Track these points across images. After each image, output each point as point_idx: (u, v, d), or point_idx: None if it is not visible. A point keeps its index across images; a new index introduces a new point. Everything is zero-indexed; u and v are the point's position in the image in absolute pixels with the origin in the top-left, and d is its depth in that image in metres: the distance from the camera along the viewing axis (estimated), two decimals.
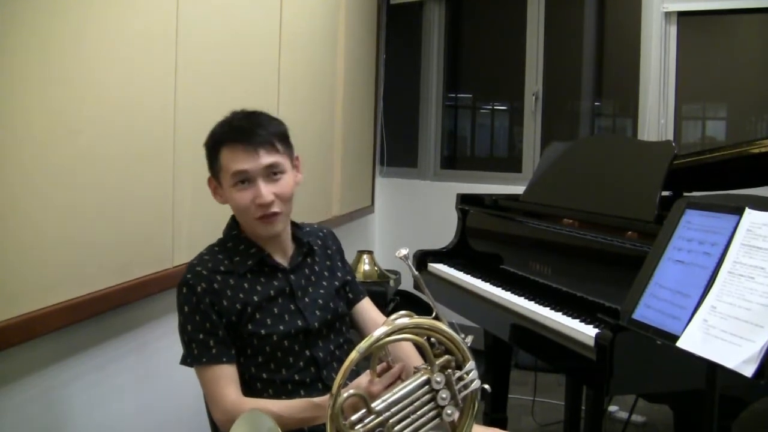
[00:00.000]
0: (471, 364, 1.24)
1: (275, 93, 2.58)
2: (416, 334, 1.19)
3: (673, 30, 3.65)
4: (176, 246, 1.94)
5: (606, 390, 1.54)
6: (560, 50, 4.05)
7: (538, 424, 2.94)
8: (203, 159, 2.04)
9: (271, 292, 1.43)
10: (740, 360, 1.03)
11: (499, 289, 2.08)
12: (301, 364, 1.44)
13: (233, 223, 1.50)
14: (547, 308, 1.84)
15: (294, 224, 1.54)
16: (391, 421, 1.15)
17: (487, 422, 2.57)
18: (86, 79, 1.53)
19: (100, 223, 1.61)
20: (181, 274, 1.94)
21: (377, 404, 1.16)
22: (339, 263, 1.61)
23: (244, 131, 1.39)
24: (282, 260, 1.48)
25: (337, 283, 1.56)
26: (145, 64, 1.76)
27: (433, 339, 1.22)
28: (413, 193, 4.34)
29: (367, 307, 1.63)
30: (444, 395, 1.20)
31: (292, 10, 2.67)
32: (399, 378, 1.24)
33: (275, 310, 1.43)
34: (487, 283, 2.16)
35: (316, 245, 1.57)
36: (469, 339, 1.27)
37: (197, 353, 1.37)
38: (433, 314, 1.25)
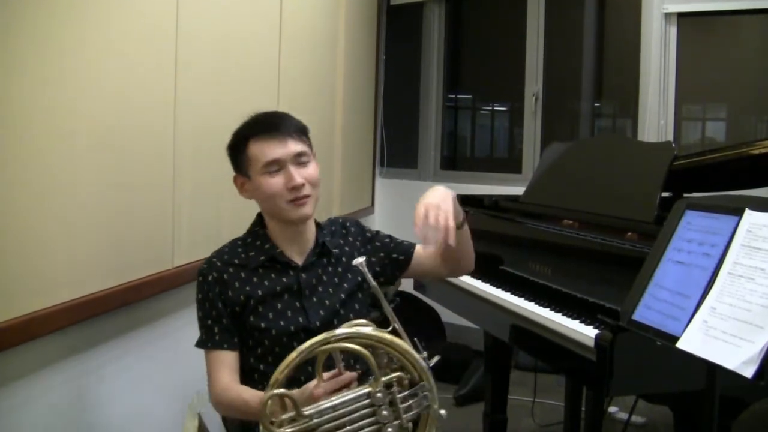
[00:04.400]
0: (421, 386, 1.20)
1: (275, 93, 2.58)
2: (363, 345, 1.18)
3: (673, 31, 3.65)
4: (176, 247, 1.94)
5: (606, 391, 1.54)
6: (560, 51, 4.05)
7: (538, 425, 2.93)
8: (203, 159, 2.06)
9: (277, 288, 1.47)
10: (740, 361, 1.03)
11: (499, 290, 2.08)
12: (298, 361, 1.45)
13: (258, 220, 1.56)
14: (547, 309, 1.84)
15: (317, 224, 1.57)
16: (322, 428, 1.15)
17: (487, 423, 2.57)
18: (86, 79, 1.53)
19: (100, 224, 1.61)
20: (181, 275, 1.97)
21: (309, 409, 1.16)
22: (373, 258, 1.61)
23: (272, 123, 1.48)
24: (297, 258, 1.51)
25: (354, 285, 1.56)
26: (145, 64, 1.76)
27: (391, 354, 1.20)
28: (413, 193, 4.28)
29: (420, 251, 1.68)
30: (385, 413, 1.17)
31: (292, 10, 2.67)
32: (347, 386, 1.23)
33: (279, 305, 1.46)
34: (487, 284, 2.16)
35: (337, 245, 1.58)
36: (434, 360, 1.23)
37: (204, 338, 1.46)
38: (390, 328, 1.22)
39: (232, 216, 2.21)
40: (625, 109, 3.97)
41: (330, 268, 1.55)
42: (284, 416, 1.15)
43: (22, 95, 1.36)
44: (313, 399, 1.20)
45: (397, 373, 1.19)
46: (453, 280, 2.35)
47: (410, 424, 1.20)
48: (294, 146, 1.47)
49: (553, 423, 2.95)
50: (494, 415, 2.55)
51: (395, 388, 1.18)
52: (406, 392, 1.19)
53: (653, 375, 1.53)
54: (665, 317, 1.19)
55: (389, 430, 1.17)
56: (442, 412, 1.22)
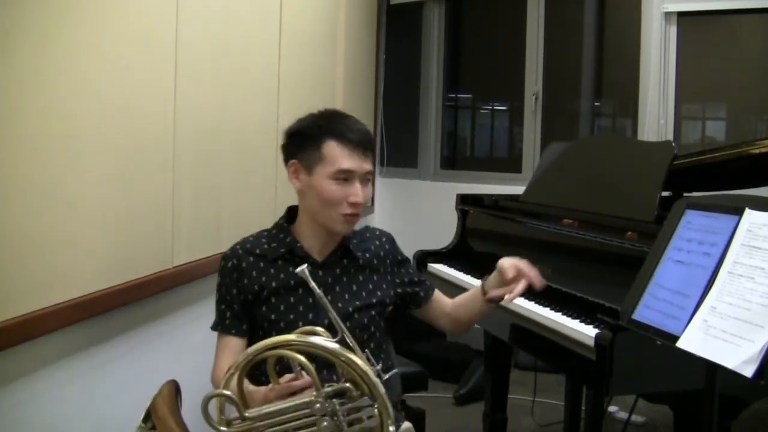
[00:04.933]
0: (364, 401, 1.18)
1: (275, 94, 2.58)
2: (307, 353, 1.18)
3: (673, 30, 3.65)
4: (176, 246, 1.94)
5: (606, 390, 1.54)
6: (560, 50, 4.05)
7: (538, 425, 2.93)
8: (203, 159, 2.06)
9: (292, 281, 1.48)
10: (740, 360, 1.03)
11: None
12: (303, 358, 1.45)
13: (287, 215, 1.57)
14: (547, 308, 1.84)
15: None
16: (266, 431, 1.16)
17: (487, 422, 2.57)
18: (87, 79, 1.53)
19: (99, 224, 1.61)
20: (181, 274, 1.97)
21: (252, 411, 1.17)
22: (388, 274, 1.60)
23: (357, 133, 1.46)
24: (318, 255, 1.52)
25: (373, 300, 1.55)
26: (146, 64, 1.76)
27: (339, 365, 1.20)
28: (413, 193, 4.33)
29: (439, 297, 1.69)
30: (326, 423, 1.16)
31: (291, 10, 2.67)
32: (300, 391, 1.22)
33: (292, 299, 1.48)
34: None
35: (366, 250, 1.57)
36: (389, 374, 1.22)
37: (216, 321, 1.52)
38: (338, 337, 1.21)
39: (232, 216, 2.21)
40: (625, 109, 3.98)
41: (352, 271, 1.54)
42: (231, 416, 1.17)
43: (21, 94, 1.36)
44: (267, 401, 1.22)
45: (343, 384, 1.18)
46: (453, 279, 2.35)
47: None
48: (368, 164, 1.47)
49: (553, 422, 2.95)
50: (494, 415, 2.55)
51: (336, 400, 1.17)
52: (348, 405, 1.17)
53: (653, 374, 1.53)
54: (665, 316, 1.19)
55: None
56: (392, 429, 1.18)
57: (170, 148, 1.89)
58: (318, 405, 1.17)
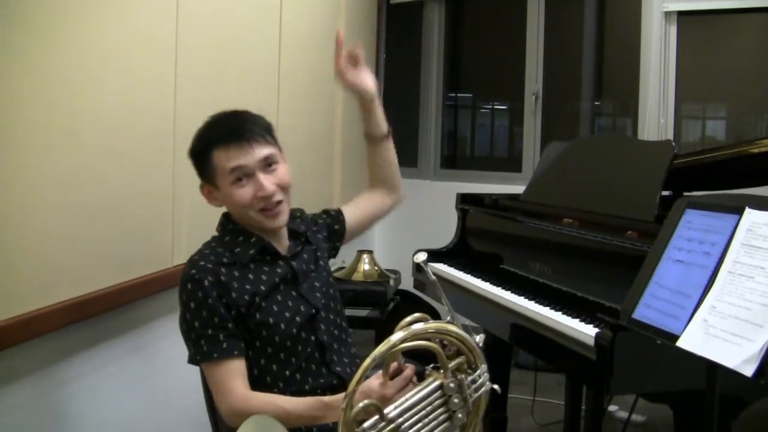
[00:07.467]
0: (483, 368, 1.24)
1: (275, 93, 2.58)
2: (430, 339, 1.18)
3: (673, 30, 3.65)
4: (176, 245, 1.94)
5: (606, 390, 1.54)
6: (560, 50, 4.05)
7: (538, 424, 2.93)
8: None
9: (276, 279, 1.43)
10: (740, 360, 1.03)
11: (499, 288, 2.08)
12: (309, 349, 1.44)
13: (226, 220, 1.50)
14: (547, 308, 1.84)
15: None
16: (402, 426, 1.15)
17: (487, 422, 2.57)
18: (87, 80, 1.54)
19: (100, 223, 1.61)
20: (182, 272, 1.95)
21: (390, 410, 1.14)
22: (319, 234, 1.63)
23: (234, 129, 1.39)
24: (280, 248, 1.48)
25: (330, 277, 1.57)
26: (146, 63, 1.76)
27: (445, 341, 1.21)
28: (413, 192, 4.30)
29: (351, 210, 1.75)
30: (456, 400, 1.19)
31: (292, 10, 2.67)
32: (411, 381, 1.23)
33: (279, 297, 1.43)
34: (487, 283, 2.16)
35: (308, 231, 1.58)
36: (480, 338, 1.26)
37: (207, 350, 1.35)
38: (448, 318, 1.25)
39: None
40: (625, 108, 3.98)
41: (307, 252, 1.54)
42: (367, 423, 1.13)
43: (21, 95, 1.36)
44: (383, 400, 1.17)
45: (459, 360, 1.21)
46: (453, 279, 2.35)
47: (472, 405, 1.23)
48: (260, 151, 1.39)
49: (553, 422, 2.94)
50: (494, 414, 2.55)
51: (461, 376, 1.20)
52: (472, 377, 1.22)
53: (653, 374, 1.53)
54: (665, 316, 1.19)
55: (459, 414, 1.19)
56: (496, 386, 1.26)
57: (170, 146, 1.89)
58: (452, 384, 1.19)
